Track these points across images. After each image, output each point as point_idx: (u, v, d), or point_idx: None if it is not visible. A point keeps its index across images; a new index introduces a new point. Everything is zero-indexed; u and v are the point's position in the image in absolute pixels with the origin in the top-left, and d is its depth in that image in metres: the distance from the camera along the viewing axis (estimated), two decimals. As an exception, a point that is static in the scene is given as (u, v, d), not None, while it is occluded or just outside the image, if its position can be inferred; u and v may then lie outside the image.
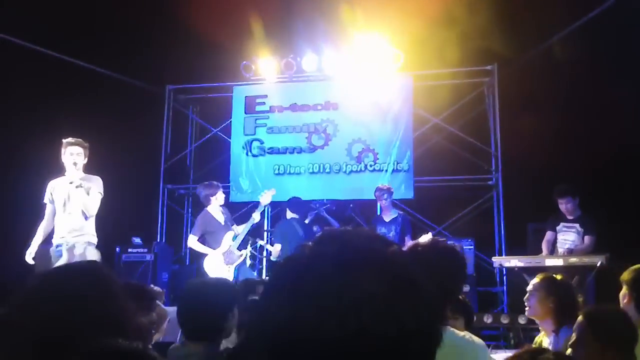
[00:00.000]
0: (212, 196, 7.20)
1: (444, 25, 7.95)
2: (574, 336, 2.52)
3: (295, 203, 7.77)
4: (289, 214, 7.67)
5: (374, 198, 7.90)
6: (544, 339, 3.51)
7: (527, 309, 3.55)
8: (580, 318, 2.57)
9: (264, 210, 8.08)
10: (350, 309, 0.78)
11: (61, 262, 5.41)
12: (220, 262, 7.06)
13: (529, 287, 3.58)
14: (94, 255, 5.70)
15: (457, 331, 2.21)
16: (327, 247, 0.86)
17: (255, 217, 7.15)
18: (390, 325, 0.79)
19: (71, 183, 5.67)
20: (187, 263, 9.47)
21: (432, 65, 9.19)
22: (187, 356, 2.66)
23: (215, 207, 7.20)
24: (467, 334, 2.25)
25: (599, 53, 7.19)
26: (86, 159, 5.84)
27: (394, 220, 7.62)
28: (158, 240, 9.52)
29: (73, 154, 5.71)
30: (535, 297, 3.48)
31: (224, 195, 7.40)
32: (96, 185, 5.82)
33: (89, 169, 5.95)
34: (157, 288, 4.76)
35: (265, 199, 7.33)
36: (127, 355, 1.29)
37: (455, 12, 7.79)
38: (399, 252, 0.88)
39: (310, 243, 0.89)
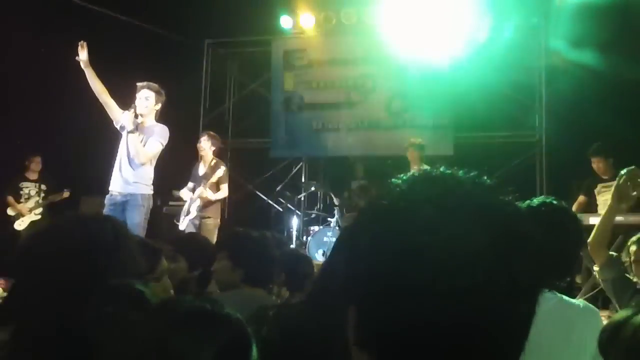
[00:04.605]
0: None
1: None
2: None
3: None
4: None
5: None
6: None
7: None
8: None
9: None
10: (462, 263, 0.66)
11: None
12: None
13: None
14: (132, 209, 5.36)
15: (567, 298, 2.04)
16: (426, 191, 0.72)
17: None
18: (503, 281, 0.68)
19: (122, 128, 5.29)
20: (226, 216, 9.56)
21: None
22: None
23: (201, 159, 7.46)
24: (581, 302, 2.08)
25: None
26: (158, 104, 5.39)
27: None
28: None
29: (141, 98, 5.29)
30: None
31: (203, 148, 7.47)
32: (158, 133, 5.35)
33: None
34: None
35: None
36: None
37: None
38: (508, 200, 0.75)
39: (399, 183, 0.74)
